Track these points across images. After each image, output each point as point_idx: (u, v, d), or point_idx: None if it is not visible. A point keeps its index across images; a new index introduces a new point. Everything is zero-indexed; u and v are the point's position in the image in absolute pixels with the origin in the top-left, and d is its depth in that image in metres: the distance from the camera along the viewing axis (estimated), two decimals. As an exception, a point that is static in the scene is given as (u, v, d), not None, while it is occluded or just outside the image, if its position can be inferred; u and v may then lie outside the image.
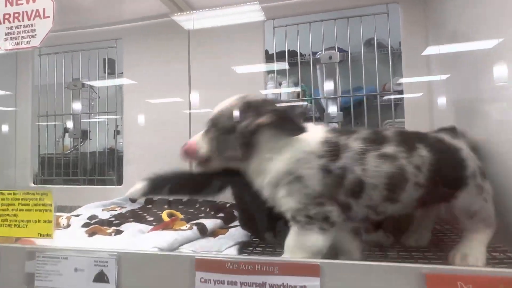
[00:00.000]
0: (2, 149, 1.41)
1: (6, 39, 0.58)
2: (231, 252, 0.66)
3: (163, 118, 1.29)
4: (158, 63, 1.31)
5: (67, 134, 1.62)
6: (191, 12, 1.23)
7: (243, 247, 0.70)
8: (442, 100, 1.03)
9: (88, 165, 1.48)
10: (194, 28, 1.27)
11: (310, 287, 0.42)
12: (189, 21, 1.26)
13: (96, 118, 1.59)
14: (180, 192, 0.64)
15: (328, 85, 1.20)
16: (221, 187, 0.67)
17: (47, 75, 1.45)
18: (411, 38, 1.10)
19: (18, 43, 0.58)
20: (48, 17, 0.57)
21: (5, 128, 1.44)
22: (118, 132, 1.66)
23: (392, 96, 1.20)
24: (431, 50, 1.08)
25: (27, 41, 0.57)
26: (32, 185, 1.38)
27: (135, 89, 1.34)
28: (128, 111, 1.34)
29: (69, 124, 1.50)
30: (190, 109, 1.27)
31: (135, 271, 0.50)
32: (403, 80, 1.15)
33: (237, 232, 0.77)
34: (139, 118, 1.33)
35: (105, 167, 1.56)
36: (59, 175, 1.47)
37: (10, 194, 0.57)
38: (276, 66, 1.31)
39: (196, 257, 0.47)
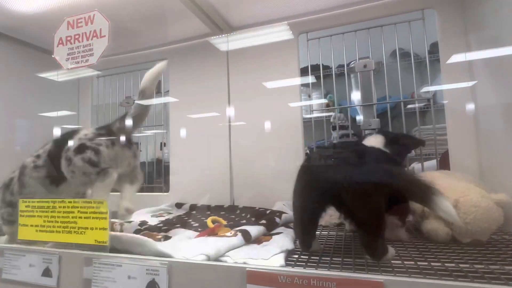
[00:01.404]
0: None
1: (68, 59, 0.58)
2: (277, 260, 0.60)
3: (203, 131, 1.29)
4: (199, 81, 1.32)
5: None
6: (227, 35, 1.23)
7: (289, 254, 0.64)
8: (487, 104, 0.91)
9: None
10: (230, 49, 1.26)
11: (374, 306, 0.35)
12: (226, 43, 1.26)
13: (145, 133, 1.61)
14: None
15: (363, 93, 1.12)
16: None
17: (104, 96, 1.50)
18: (449, 42, 1.00)
19: (77, 62, 0.57)
20: (104, 36, 0.56)
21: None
22: (164, 144, 1.68)
23: (417, 104, 1.09)
24: (470, 56, 0.97)
25: (85, 60, 0.57)
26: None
27: (179, 106, 1.35)
28: (173, 125, 1.35)
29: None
30: (229, 122, 1.25)
31: (185, 280, 0.46)
32: (429, 88, 1.05)
33: (280, 239, 0.71)
34: (182, 132, 1.34)
35: (153, 176, 1.57)
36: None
37: (70, 202, 0.55)
38: (304, 80, 1.26)
39: (247, 268, 0.42)
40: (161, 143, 1.73)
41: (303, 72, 1.20)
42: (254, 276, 0.41)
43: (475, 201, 0.64)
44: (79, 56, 0.57)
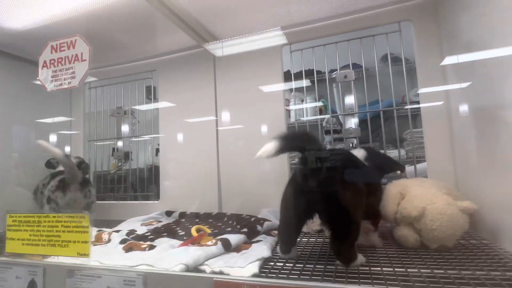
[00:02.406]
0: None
1: (52, 81, 0.62)
2: (253, 268, 0.63)
3: (192, 138, 1.33)
4: (189, 89, 1.36)
5: (113, 153, 1.69)
6: (221, 41, 1.26)
7: (265, 262, 0.67)
8: (460, 109, 0.95)
9: (131, 181, 1.53)
10: (222, 55, 1.30)
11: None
12: (218, 49, 1.30)
13: (138, 138, 1.64)
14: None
15: (347, 101, 1.16)
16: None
17: (96, 104, 1.54)
18: (425, 51, 1.04)
19: (60, 84, 0.61)
20: (85, 60, 0.59)
21: (67, 148, 1.54)
22: (158, 150, 1.70)
23: (409, 107, 1.13)
24: (447, 60, 1.01)
25: (68, 82, 0.60)
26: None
27: (169, 113, 1.38)
28: (163, 132, 1.39)
29: (120, 144, 1.58)
30: (217, 127, 1.28)
31: (160, 290, 0.50)
32: (421, 91, 1.09)
33: (259, 248, 0.75)
34: (172, 138, 1.37)
35: (145, 183, 1.60)
36: (106, 191, 1.53)
37: (54, 217, 0.59)
38: (296, 84, 1.29)
39: (214, 279, 0.45)
40: (156, 149, 1.75)
41: (296, 77, 1.24)
42: (221, 285, 0.44)
43: (441, 208, 0.68)
44: (61, 78, 0.61)
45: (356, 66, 1.22)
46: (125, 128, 1.63)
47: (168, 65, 1.39)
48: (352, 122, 1.21)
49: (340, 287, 0.40)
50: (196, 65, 1.34)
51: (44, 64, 0.62)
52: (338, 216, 0.63)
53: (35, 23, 1.00)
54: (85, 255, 0.56)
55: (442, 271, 0.57)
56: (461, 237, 0.72)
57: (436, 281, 0.52)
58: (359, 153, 0.82)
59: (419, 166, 1.08)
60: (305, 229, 0.98)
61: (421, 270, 0.57)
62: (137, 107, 1.57)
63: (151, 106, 1.53)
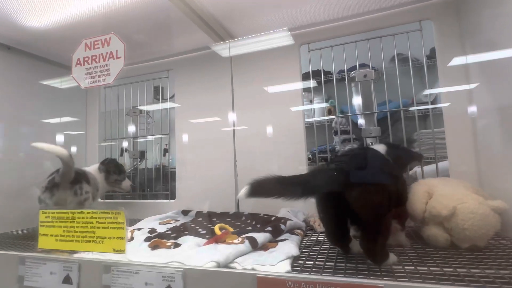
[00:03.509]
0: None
1: (86, 78, 0.62)
2: (284, 266, 0.63)
3: (207, 137, 1.33)
4: (204, 88, 1.36)
5: (125, 153, 1.71)
6: (228, 41, 1.26)
7: (294, 260, 0.67)
8: (484, 108, 0.95)
9: (144, 180, 1.54)
10: (234, 55, 1.30)
11: (375, 309, 0.39)
12: (227, 49, 1.30)
13: (147, 138, 1.65)
14: (274, 194, 0.65)
15: (360, 101, 1.16)
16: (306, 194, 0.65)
17: (112, 103, 1.55)
18: (446, 50, 1.04)
19: (95, 81, 0.61)
20: (120, 57, 0.60)
21: (75, 149, 1.55)
22: (167, 151, 1.71)
23: (417, 108, 1.13)
24: (465, 59, 1.00)
25: (102, 79, 0.61)
26: (100, 200, 1.45)
27: (184, 112, 1.39)
28: (178, 132, 1.39)
29: (125, 144, 1.58)
30: (234, 127, 1.29)
31: (199, 286, 0.50)
32: (432, 91, 1.08)
33: (286, 246, 0.74)
34: (187, 138, 1.37)
35: (153, 183, 1.60)
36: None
37: (89, 213, 0.59)
38: (306, 85, 1.30)
39: (257, 275, 0.45)
40: (164, 149, 1.75)
41: (305, 77, 1.24)
42: (264, 282, 0.44)
43: (473, 208, 0.67)
44: (96, 76, 0.61)
45: (366, 66, 1.22)
46: (132, 129, 1.64)
47: (185, 64, 1.39)
48: (369, 122, 1.20)
49: (385, 283, 0.40)
50: (213, 64, 1.34)
51: (78, 62, 0.63)
52: (367, 216, 0.62)
53: (52, 23, 1.01)
54: (121, 251, 0.56)
55: (479, 271, 0.56)
56: (492, 238, 0.71)
57: (476, 280, 0.52)
58: (380, 148, 0.82)
59: (431, 167, 1.08)
60: (316, 226, 0.99)
61: (457, 270, 0.57)
62: (151, 107, 1.58)
63: (166, 105, 1.53)
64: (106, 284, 0.54)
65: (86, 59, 0.63)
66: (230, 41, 1.27)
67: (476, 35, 0.94)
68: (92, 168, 1.22)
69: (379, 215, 0.62)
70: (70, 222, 0.60)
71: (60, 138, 1.47)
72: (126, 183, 1.27)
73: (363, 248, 0.64)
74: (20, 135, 1.29)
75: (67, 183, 0.97)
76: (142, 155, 1.52)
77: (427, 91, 1.19)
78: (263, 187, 0.66)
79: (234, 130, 1.29)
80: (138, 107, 1.55)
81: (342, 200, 0.63)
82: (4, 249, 0.77)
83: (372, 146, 0.83)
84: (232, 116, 1.29)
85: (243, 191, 0.64)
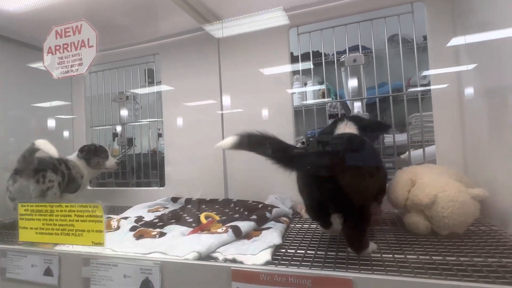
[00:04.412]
0: (62, 153, 1.51)
1: (58, 67, 0.60)
2: (264, 256, 0.64)
3: (198, 120, 1.32)
4: (192, 72, 1.33)
5: (116, 139, 1.69)
6: (221, 21, 1.23)
7: (276, 249, 0.68)
8: (472, 91, 0.94)
9: (134, 167, 1.54)
10: (223, 36, 1.27)
11: (344, 301, 0.40)
12: (218, 30, 1.26)
13: (140, 122, 1.64)
14: (260, 151, 0.65)
15: (353, 85, 1.15)
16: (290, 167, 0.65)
17: (97, 89, 1.52)
18: (437, 31, 1.02)
19: (67, 71, 0.60)
20: (92, 46, 0.58)
21: (66, 133, 1.54)
22: (160, 135, 1.70)
23: (419, 89, 1.12)
24: (457, 40, 0.99)
25: (75, 69, 0.59)
26: (89, 187, 1.45)
27: (172, 96, 1.37)
28: (166, 116, 1.38)
29: (119, 128, 1.57)
30: (222, 110, 1.27)
31: (176, 278, 0.51)
32: (426, 73, 1.07)
33: (269, 235, 0.76)
34: (176, 122, 1.36)
35: (149, 168, 1.60)
36: (110, 177, 1.54)
37: (67, 206, 0.59)
38: (301, 66, 1.27)
39: (232, 268, 0.46)
40: (158, 134, 1.74)
41: (297, 60, 1.22)
42: (238, 274, 0.45)
43: (453, 196, 0.68)
44: (68, 65, 0.59)
45: (362, 48, 1.20)
46: (125, 113, 1.62)
47: (171, 48, 1.36)
48: (360, 106, 1.20)
49: (353, 276, 0.41)
50: (199, 48, 1.31)
51: (49, 50, 0.61)
52: (346, 203, 0.63)
53: (33, 6, 0.97)
54: (100, 244, 0.57)
55: (454, 258, 0.58)
56: (471, 224, 0.73)
57: (449, 268, 0.53)
58: (349, 127, 0.82)
59: (424, 150, 1.08)
60: (303, 213, 1.00)
61: (433, 257, 0.59)
62: (138, 90, 1.55)
63: (153, 89, 1.50)
64: (86, 277, 0.55)
65: (57, 47, 0.61)
66: (223, 21, 1.23)
67: (468, 17, 0.92)
68: (73, 156, 1.21)
69: (367, 201, 0.64)
70: (49, 215, 0.60)
71: (51, 122, 1.45)
72: (111, 162, 1.26)
73: (346, 236, 0.65)
74: (11, 119, 1.27)
75: (29, 171, 0.96)
76: (130, 142, 1.51)
77: (426, 72, 1.15)
78: (251, 142, 0.65)
79: (222, 114, 1.28)
80: (125, 93, 1.52)
81: (327, 185, 0.63)
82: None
83: (341, 125, 0.83)
84: (220, 100, 1.28)
85: (229, 139, 0.63)
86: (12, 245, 0.66)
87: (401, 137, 1.32)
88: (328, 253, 0.65)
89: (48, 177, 0.99)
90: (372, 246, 0.64)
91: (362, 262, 0.58)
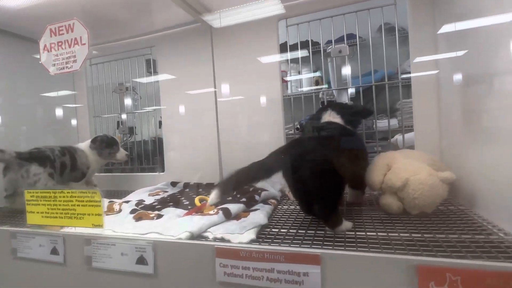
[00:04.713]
0: (67, 141, 1.53)
1: (54, 64, 0.62)
2: (250, 234, 0.67)
3: (194, 108, 1.34)
4: (187, 63, 1.34)
5: (119, 128, 1.71)
6: (218, 11, 1.22)
7: (261, 229, 0.72)
8: (449, 79, 0.95)
9: (137, 153, 1.56)
10: (217, 27, 1.26)
11: (312, 274, 0.43)
12: (214, 20, 1.26)
13: (140, 111, 1.65)
14: (242, 186, 0.75)
15: (343, 73, 1.16)
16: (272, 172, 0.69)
17: (98, 80, 1.53)
18: (419, 22, 1.02)
19: (62, 68, 0.61)
20: (85, 44, 0.59)
21: (73, 122, 1.56)
22: (161, 123, 1.72)
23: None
24: (444, 28, 0.98)
25: (70, 66, 0.60)
26: (96, 174, 1.48)
27: (169, 86, 1.38)
28: (164, 105, 1.40)
29: (124, 116, 1.58)
30: (216, 98, 1.29)
31: (167, 255, 0.54)
32: (419, 59, 1.06)
33: (256, 216, 0.79)
34: (175, 110, 1.38)
35: (150, 155, 1.63)
36: (114, 164, 1.57)
37: (69, 192, 0.62)
38: (292, 56, 1.27)
39: (215, 246, 0.49)
40: (159, 122, 1.75)
41: (291, 49, 1.23)
42: (222, 251, 0.49)
43: (423, 179, 0.71)
44: (63, 62, 0.61)
45: (351, 37, 1.19)
46: (128, 102, 1.63)
47: (166, 40, 1.35)
48: (346, 95, 1.21)
49: (321, 252, 0.44)
50: (193, 39, 1.31)
51: (45, 48, 0.62)
52: (311, 185, 0.67)
53: (31, 2, 0.96)
54: (99, 226, 0.60)
55: (419, 235, 0.61)
56: (441, 204, 0.76)
57: (413, 244, 0.56)
58: (332, 115, 0.84)
59: (408, 135, 1.10)
60: (291, 195, 1.04)
61: (401, 234, 0.62)
62: (138, 80, 1.56)
63: (152, 79, 1.51)
64: (88, 255, 0.58)
65: (52, 45, 0.62)
66: (221, 11, 1.22)
67: (448, 8, 0.92)
68: (84, 145, 1.23)
69: (322, 183, 0.67)
70: (53, 200, 0.63)
71: (59, 112, 1.47)
72: (121, 154, 1.28)
73: (319, 214, 0.69)
74: (21, 108, 1.28)
75: (14, 165, 0.95)
76: (131, 131, 1.53)
77: (418, 59, 1.15)
78: (229, 186, 0.70)
79: (216, 102, 1.29)
80: (125, 84, 1.53)
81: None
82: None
83: (325, 114, 0.85)
84: (214, 88, 1.29)
85: (212, 196, 0.66)
86: (21, 228, 0.69)
87: (392, 122, 1.36)
88: (308, 231, 0.68)
89: (32, 171, 0.96)
90: (347, 224, 0.68)
91: (337, 239, 0.61)
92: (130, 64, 1.48)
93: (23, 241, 0.66)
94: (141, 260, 0.54)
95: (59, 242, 0.62)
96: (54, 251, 0.63)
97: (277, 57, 1.20)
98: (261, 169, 0.67)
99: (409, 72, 1.39)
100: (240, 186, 0.70)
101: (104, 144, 1.23)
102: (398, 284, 0.41)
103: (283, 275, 0.45)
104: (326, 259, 0.43)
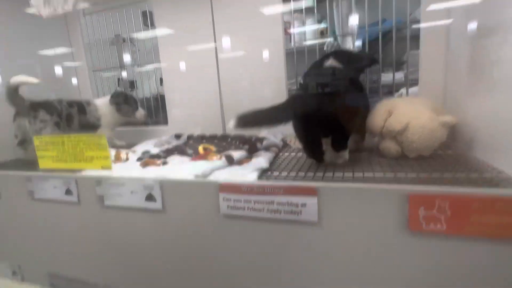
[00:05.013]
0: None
1: (45, 6, 0.59)
2: (252, 176, 0.70)
3: (195, 63, 1.31)
4: (186, 15, 1.27)
5: (119, 83, 1.69)
6: None
7: (262, 172, 0.74)
8: (458, 29, 0.90)
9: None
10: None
11: (309, 204, 0.46)
12: None
13: (140, 68, 1.62)
14: (259, 125, 0.74)
15: (351, 22, 1.10)
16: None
17: (94, 33, 1.47)
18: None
19: (55, 10, 0.58)
20: (74, -19, 0.56)
21: (74, 80, 1.54)
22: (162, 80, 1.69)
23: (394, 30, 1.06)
24: None
25: (61, 7, 0.57)
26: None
27: (168, 41, 1.33)
28: (164, 60, 1.36)
29: (124, 74, 1.56)
30: (216, 52, 1.25)
31: (174, 193, 0.57)
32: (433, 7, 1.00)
33: (258, 161, 0.81)
34: (175, 64, 1.35)
35: (153, 111, 1.63)
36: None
37: (75, 137, 0.64)
38: (296, 5, 1.20)
39: (219, 182, 0.51)
40: (160, 79, 1.73)
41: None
42: (224, 187, 0.51)
43: (423, 123, 0.71)
44: (54, 2, 0.58)
45: None
46: (126, 58, 1.58)
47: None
48: (352, 44, 1.16)
49: (318, 185, 0.46)
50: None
51: (34, -13, 0.58)
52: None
53: None
54: (108, 167, 0.62)
55: (415, 174, 0.63)
56: (440, 148, 0.77)
57: (408, 182, 0.59)
58: (334, 61, 0.82)
59: (412, 89, 1.08)
60: (292, 144, 1.06)
61: (397, 174, 0.64)
62: (135, 34, 1.50)
63: (149, 34, 1.45)
64: (100, 194, 0.62)
65: (41, -16, 0.58)
66: None
67: None
68: (103, 101, 1.22)
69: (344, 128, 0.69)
70: (62, 145, 0.65)
71: (58, 70, 1.45)
72: (140, 113, 1.28)
73: (333, 140, 0.73)
74: (20, 69, 1.27)
75: (24, 110, 0.97)
76: (132, 85, 1.51)
77: (432, 6, 1.07)
78: (248, 119, 0.69)
79: (216, 56, 1.26)
80: (121, 36, 1.47)
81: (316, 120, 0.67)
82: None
83: (327, 60, 0.83)
84: (214, 42, 1.24)
85: (230, 123, 0.66)
86: (35, 172, 0.73)
87: (398, 76, 1.31)
88: (308, 174, 0.71)
89: (40, 117, 0.98)
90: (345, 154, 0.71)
91: (335, 178, 0.64)
92: (126, 16, 1.40)
93: (38, 184, 0.69)
94: (149, 197, 0.58)
95: (72, 184, 0.65)
96: (68, 192, 0.66)
97: (279, 8, 1.13)
98: (281, 111, 0.67)
99: (419, 22, 1.31)
100: (257, 124, 0.69)
101: (123, 100, 1.22)
102: (390, 212, 0.43)
103: (282, 206, 0.48)
104: (322, 190, 0.45)
